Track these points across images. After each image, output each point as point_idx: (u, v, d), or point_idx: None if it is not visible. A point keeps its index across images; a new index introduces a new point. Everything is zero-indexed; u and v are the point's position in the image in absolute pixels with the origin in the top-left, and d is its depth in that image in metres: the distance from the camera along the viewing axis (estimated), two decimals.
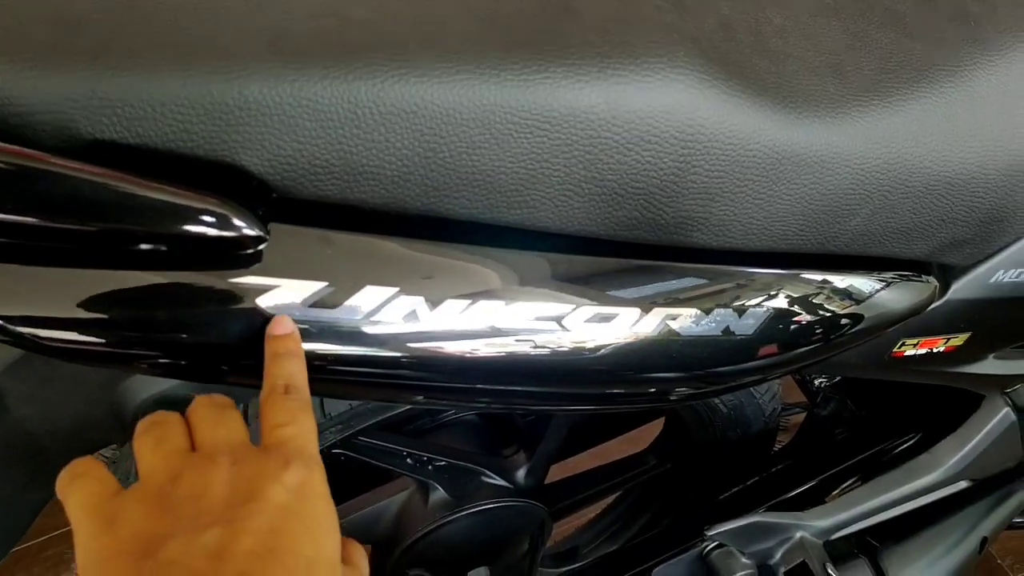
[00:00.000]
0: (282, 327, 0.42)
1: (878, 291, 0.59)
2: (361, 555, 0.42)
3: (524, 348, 0.48)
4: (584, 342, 0.49)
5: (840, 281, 0.57)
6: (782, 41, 0.51)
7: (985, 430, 0.86)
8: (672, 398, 0.61)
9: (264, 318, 0.42)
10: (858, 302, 0.58)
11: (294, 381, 0.41)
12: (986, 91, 0.54)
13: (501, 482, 0.92)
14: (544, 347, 0.49)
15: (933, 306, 0.64)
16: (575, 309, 0.48)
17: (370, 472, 0.89)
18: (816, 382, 1.05)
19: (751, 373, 0.58)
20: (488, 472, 0.90)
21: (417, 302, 0.44)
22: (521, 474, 0.94)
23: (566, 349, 0.49)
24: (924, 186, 0.54)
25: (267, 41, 0.39)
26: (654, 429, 1.10)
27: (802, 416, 1.12)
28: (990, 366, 0.77)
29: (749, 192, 0.49)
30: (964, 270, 0.64)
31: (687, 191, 0.47)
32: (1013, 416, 0.86)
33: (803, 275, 0.55)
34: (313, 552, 0.36)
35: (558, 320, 0.48)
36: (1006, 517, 1.01)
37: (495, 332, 0.47)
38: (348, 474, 0.89)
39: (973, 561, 0.97)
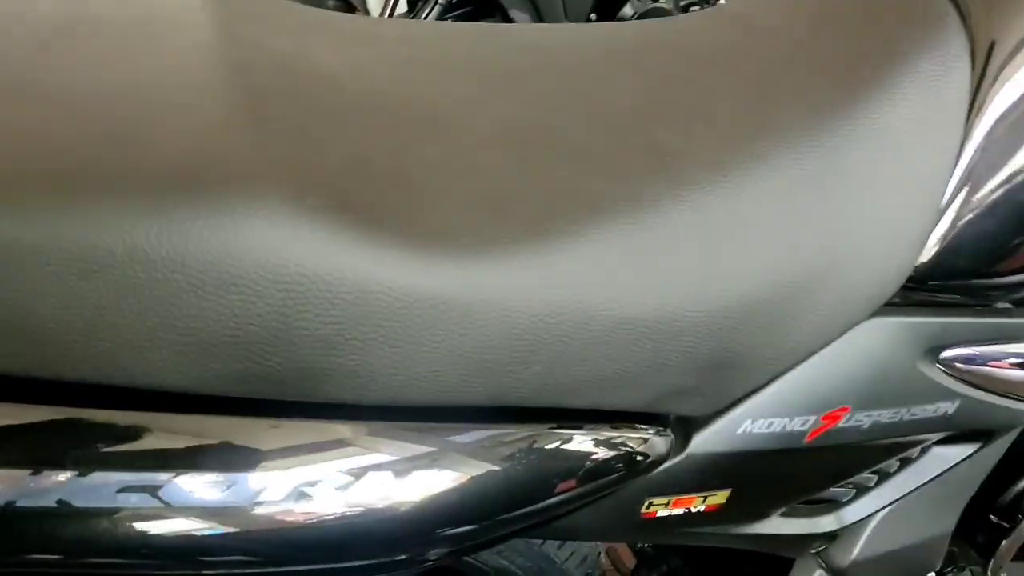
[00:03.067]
0: None
1: (589, 446, 0.53)
2: None
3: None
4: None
5: (533, 436, 0.51)
6: (430, 174, 0.47)
7: None
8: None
9: None
10: (561, 460, 0.52)
11: None
12: (684, 229, 0.50)
13: None
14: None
15: (673, 461, 0.58)
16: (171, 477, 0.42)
17: None
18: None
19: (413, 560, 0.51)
20: None
21: None
22: None
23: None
24: (611, 331, 0.48)
25: None
26: None
27: None
28: (778, 526, 0.70)
29: (380, 340, 0.43)
30: (706, 421, 0.58)
31: (299, 340, 0.41)
32: None
33: (478, 430, 0.49)
34: None
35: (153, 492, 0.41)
36: None
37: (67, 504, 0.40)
38: None
39: None
